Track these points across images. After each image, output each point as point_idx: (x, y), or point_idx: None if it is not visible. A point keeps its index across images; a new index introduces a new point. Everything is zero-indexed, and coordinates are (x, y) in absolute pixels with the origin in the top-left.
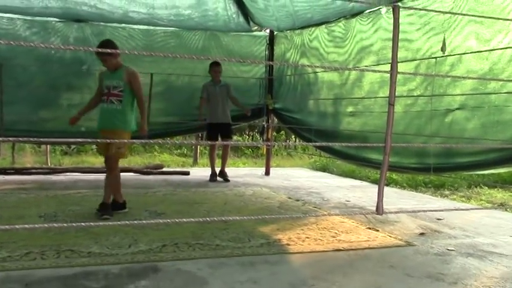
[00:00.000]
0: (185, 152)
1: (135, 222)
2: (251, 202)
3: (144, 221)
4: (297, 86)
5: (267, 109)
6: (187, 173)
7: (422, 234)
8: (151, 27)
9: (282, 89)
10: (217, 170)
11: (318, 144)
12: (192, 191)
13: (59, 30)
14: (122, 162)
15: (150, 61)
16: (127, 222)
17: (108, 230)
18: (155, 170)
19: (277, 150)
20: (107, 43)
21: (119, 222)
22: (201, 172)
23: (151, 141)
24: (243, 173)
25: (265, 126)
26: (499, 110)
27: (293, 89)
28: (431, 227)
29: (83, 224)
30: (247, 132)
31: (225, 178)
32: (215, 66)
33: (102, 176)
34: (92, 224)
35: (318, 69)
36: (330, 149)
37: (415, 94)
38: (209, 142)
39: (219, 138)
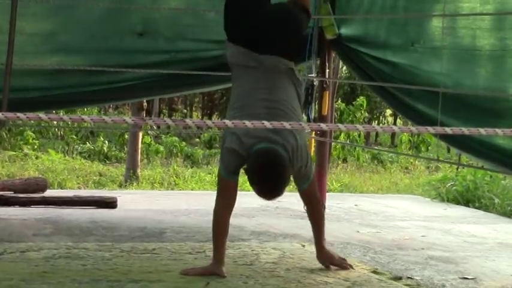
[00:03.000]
0: (106, 149)
1: None
2: (273, 285)
3: None
4: None
5: (321, 40)
6: (111, 203)
7: None
8: None
9: None
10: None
11: (452, 130)
12: (125, 251)
13: None
14: None
15: None
16: None
17: None
18: (26, 194)
19: (346, 150)
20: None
21: None
22: (147, 201)
23: (21, 115)
24: (255, 204)
25: (314, 83)
26: None
27: None
28: None
29: None
30: None
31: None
32: (265, 190)
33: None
34: None
35: None
36: (484, 146)
37: None
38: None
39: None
